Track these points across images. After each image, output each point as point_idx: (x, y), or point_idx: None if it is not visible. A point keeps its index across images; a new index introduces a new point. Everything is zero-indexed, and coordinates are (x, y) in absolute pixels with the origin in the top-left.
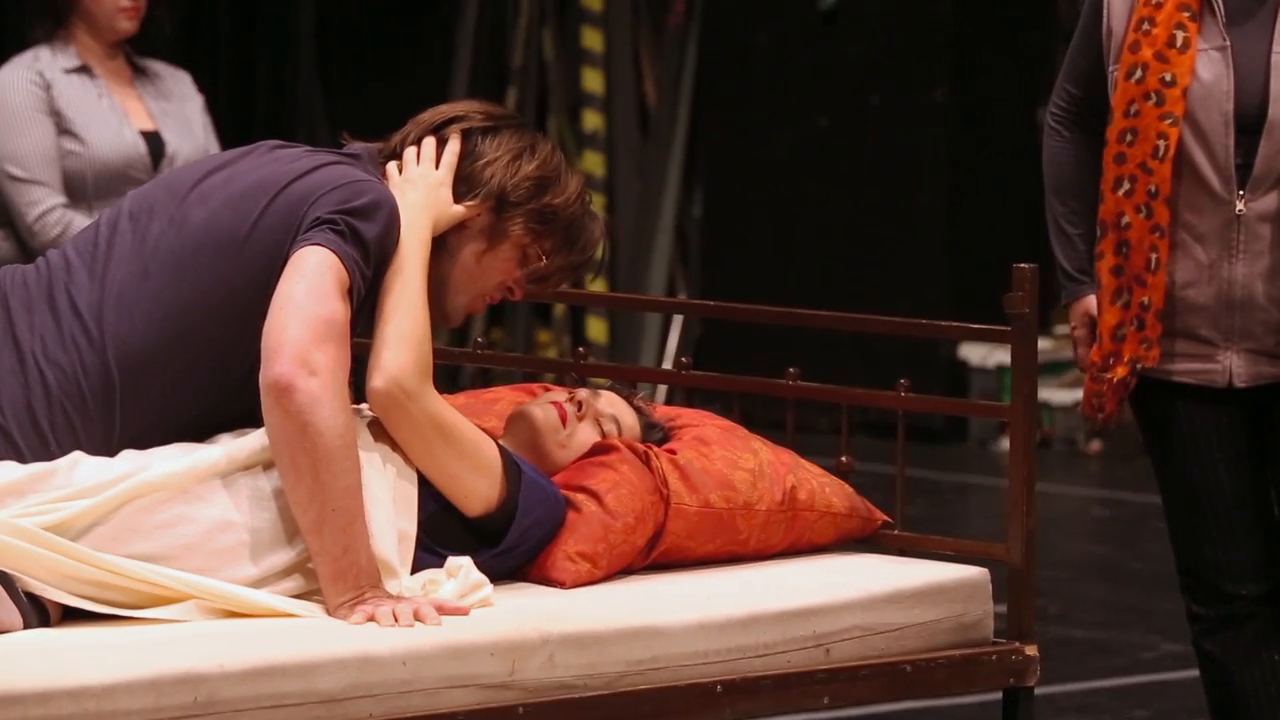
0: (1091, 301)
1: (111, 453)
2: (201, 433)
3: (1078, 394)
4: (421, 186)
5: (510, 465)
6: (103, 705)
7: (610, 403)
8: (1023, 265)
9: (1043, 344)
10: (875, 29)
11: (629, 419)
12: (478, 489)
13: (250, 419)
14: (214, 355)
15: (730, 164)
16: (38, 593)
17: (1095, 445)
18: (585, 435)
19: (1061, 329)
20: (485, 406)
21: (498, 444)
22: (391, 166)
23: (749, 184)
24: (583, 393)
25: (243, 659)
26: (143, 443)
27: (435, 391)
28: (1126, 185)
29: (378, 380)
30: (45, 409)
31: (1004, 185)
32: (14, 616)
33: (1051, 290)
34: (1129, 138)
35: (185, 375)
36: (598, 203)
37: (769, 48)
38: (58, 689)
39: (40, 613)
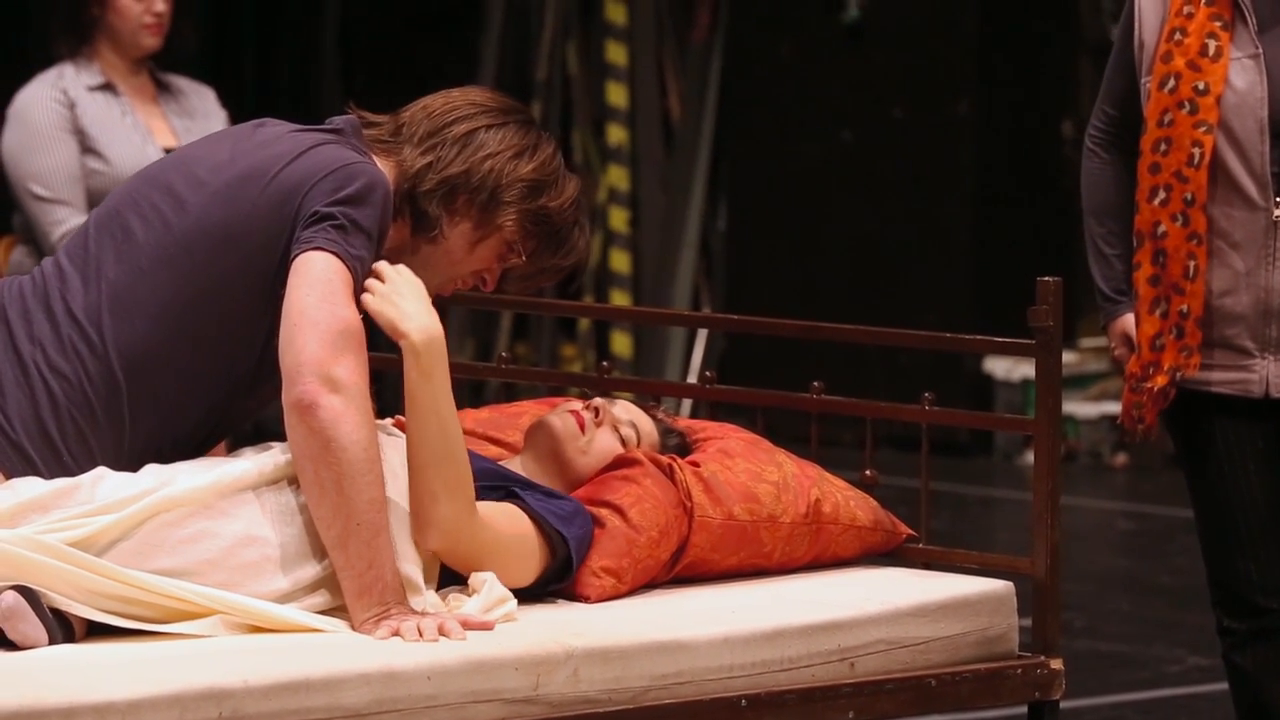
0: (1129, 320)
1: (124, 457)
2: (214, 430)
3: (1103, 407)
4: (408, 295)
5: (554, 536)
6: None
7: (627, 410)
8: (1047, 278)
9: (1068, 357)
10: (899, 42)
11: (646, 425)
12: (524, 575)
13: (258, 415)
14: (217, 350)
15: (755, 178)
16: (63, 608)
17: (1120, 458)
18: (605, 442)
19: (1086, 342)
20: (510, 420)
21: (532, 515)
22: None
23: (773, 198)
24: (599, 400)
25: (267, 674)
26: (154, 444)
27: (479, 515)
28: (1162, 194)
29: (434, 540)
30: (54, 420)
31: (1029, 198)
32: (39, 632)
33: (1077, 303)
34: (1163, 147)
35: (190, 372)
36: (622, 217)
37: (793, 61)
38: (83, 704)
39: (65, 628)
